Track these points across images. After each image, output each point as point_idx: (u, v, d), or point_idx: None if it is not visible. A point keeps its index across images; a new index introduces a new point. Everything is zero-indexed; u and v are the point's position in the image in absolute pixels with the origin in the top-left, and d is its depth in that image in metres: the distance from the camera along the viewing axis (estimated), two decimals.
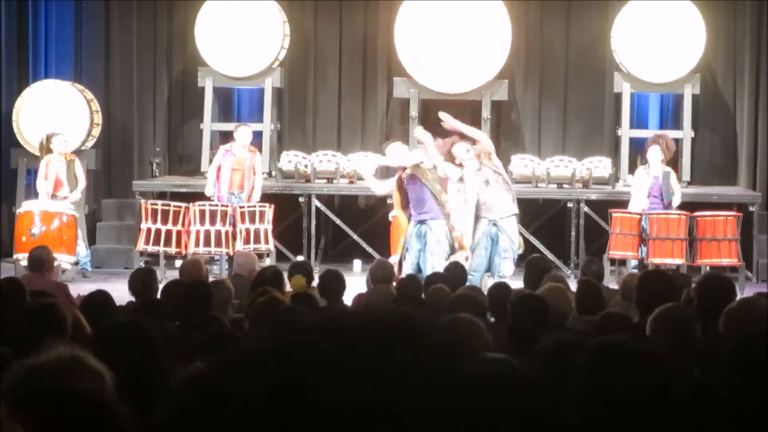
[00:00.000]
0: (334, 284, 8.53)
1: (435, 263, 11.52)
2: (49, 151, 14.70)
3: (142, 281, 8.25)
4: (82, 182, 14.77)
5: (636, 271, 12.73)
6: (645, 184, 13.96)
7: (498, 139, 16.16)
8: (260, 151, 15.58)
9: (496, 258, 11.89)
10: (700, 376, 4.40)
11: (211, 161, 15.06)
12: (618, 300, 8.04)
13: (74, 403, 2.27)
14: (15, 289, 6.70)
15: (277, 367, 1.35)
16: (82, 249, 14.69)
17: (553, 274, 9.20)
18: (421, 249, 11.87)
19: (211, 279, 9.35)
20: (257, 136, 15.93)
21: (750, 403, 2.63)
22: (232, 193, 14.43)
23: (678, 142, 15.73)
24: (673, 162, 15.13)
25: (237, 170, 14.49)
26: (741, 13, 16.09)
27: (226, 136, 15.37)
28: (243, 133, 14.68)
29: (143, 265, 12.63)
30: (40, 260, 9.65)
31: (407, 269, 11.68)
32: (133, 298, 8.09)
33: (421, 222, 11.87)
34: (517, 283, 9.74)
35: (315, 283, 9.18)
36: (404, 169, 12.05)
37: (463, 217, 11.92)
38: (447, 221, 11.92)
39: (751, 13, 15.99)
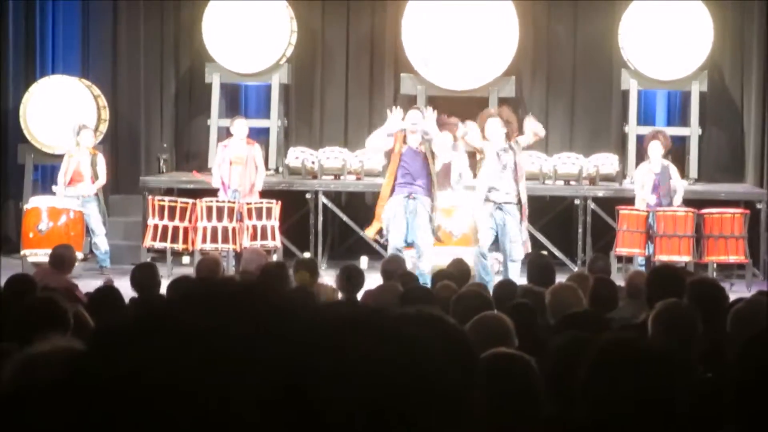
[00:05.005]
0: (356, 279, 8.65)
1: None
2: (77, 143, 14.67)
3: (141, 276, 8.27)
4: (102, 179, 14.74)
5: (642, 268, 12.74)
6: (648, 181, 13.97)
7: None
8: (267, 147, 15.58)
9: (506, 242, 12.07)
10: (704, 374, 4.40)
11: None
12: (624, 297, 8.01)
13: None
14: (25, 286, 6.70)
15: (283, 364, 1.32)
16: (104, 244, 14.65)
17: (577, 273, 9.29)
18: (409, 223, 12.24)
19: None
20: (264, 132, 15.94)
21: (759, 400, 2.64)
22: (235, 190, 14.36)
23: (685, 139, 15.75)
24: (680, 159, 15.13)
25: (236, 164, 14.42)
26: (748, 10, 16.06)
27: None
28: (239, 125, 14.58)
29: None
30: (62, 259, 9.64)
31: (398, 243, 11.96)
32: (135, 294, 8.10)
33: (413, 197, 12.19)
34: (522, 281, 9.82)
35: (319, 279, 9.26)
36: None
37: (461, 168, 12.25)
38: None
39: (759, 10, 15.95)
